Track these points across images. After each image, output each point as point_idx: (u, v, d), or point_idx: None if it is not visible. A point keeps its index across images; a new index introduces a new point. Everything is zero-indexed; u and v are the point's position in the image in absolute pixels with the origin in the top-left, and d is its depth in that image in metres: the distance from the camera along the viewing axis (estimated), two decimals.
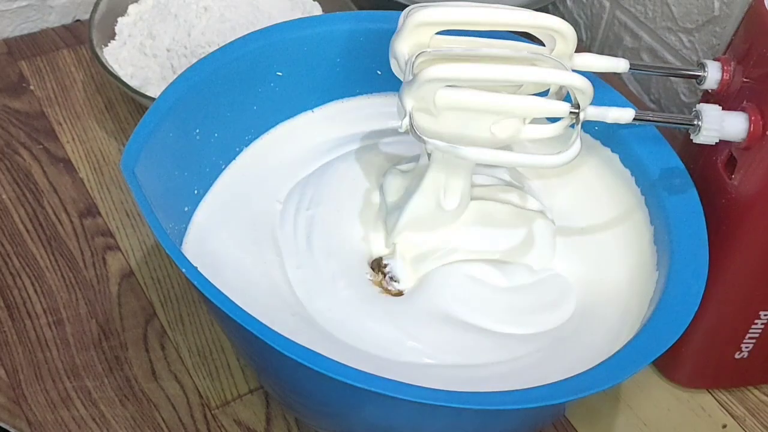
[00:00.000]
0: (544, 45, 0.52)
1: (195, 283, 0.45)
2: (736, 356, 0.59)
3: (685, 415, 0.60)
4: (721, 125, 0.50)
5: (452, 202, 0.54)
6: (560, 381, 0.45)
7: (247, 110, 0.61)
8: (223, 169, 0.60)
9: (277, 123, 0.63)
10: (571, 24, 0.50)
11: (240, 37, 0.59)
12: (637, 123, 0.51)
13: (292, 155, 0.62)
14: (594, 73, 0.53)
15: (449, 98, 0.48)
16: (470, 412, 0.45)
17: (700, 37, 0.73)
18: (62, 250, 0.65)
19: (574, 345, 0.52)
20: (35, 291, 0.63)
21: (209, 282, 0.45)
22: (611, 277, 0.56)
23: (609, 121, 0.51)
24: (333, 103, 0.65)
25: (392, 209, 0.56)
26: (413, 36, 0.50)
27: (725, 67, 0.53)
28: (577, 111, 0.49)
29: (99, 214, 0.68)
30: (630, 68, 0.53)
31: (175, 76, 0.56)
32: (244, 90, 0.60)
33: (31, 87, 0.77)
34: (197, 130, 0.57)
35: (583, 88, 0.48)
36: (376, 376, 0.43)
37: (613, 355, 0.47)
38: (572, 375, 0.45)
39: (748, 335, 0.57)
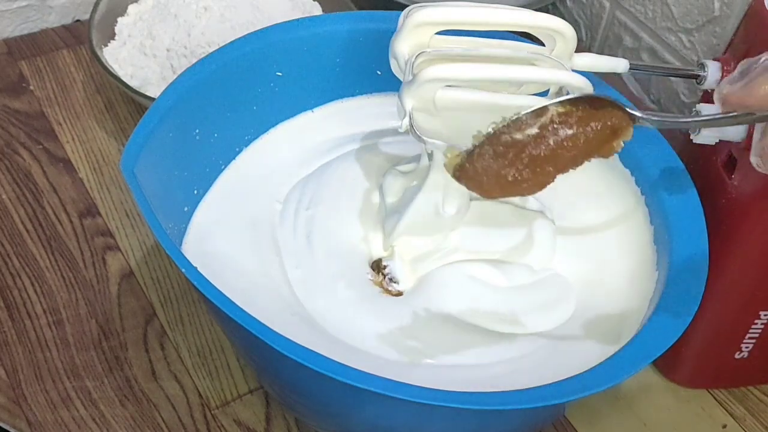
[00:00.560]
0: (544, 45, 0.52)
1: (195, 283, 0.45)
2: (736, 356, 0.59)
3: (685, 415, 0.60)
4: None
5: (451, 208, 0.54)
6: (560, 381, 0.45)
7: (247, 110, 0.61)
8: (223, 169, 0.60)
9: (276, 123, 0.63)
10: (571, 24, 0.50)
11: (240, 37, 0.59)
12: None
13: (291, 155, 0.62)
14: (594, 73, 0.53)
15: (449, 98, 0.48)
16: (470, 412, 0.45)
17: (700, 37, 0.73)
18: (62, 250, 0.65)
19: (574, 345, 0.52)
20: (35, 291, 0.63)
21: (209, 282, 0.45)
22: (611, 277, 0.56)
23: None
24: (333, 103, 0.65)
25: (391, 211, 0.56)
26: (413, 36, 0.50)
27: (725, 67, 0.53)
28: None
29: (99, 214, 0.68)
30: (630, 68, 0.53)
31: (174, 76, 0.56)
32: (243, 90, 0.60)
33: (31, 87, 0.77)
34: (197, 130, 0.57)
35: (583, 88, 0.48)
36: (376, 376, 0.43)
37: (613, 355, 0.47)
38: (572, 375, 0.45)
39: (748, 335, 0.57)
